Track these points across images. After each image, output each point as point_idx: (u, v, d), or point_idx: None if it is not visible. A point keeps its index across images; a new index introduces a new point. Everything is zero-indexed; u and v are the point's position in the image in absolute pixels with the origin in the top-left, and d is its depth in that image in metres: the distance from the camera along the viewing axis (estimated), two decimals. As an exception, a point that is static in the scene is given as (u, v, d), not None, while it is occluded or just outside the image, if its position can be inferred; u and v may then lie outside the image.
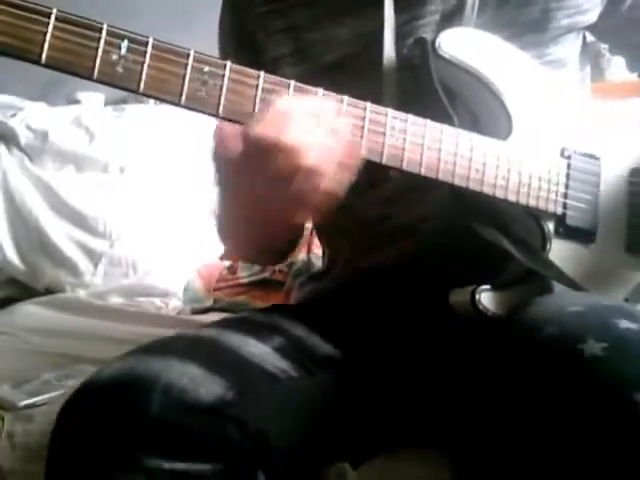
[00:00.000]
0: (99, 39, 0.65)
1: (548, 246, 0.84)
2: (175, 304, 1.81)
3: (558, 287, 0.83)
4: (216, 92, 0.69)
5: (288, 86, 0.71)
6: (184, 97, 0.68)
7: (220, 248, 1.87)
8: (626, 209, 0.88)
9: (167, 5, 2.09)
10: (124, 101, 2.14)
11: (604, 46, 1.11)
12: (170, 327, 1.54)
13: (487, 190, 0.80)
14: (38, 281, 1.87)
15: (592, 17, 0.92)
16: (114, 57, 0.65)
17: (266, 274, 1.74)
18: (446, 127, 0.78)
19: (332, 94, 0.73)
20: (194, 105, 0.69)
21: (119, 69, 0.66)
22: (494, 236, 0.81)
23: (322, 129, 0.69)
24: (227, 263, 1.89)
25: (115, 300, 1.80)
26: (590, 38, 0.99)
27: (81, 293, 1.83)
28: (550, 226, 0.85)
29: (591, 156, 0.87)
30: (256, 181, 0.70)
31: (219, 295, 1.79)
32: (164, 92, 0.68)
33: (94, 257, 1.89)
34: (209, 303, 1.76)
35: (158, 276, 1.87)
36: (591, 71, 1.02)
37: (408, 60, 0.85)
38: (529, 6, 0.88)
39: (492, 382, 0.70)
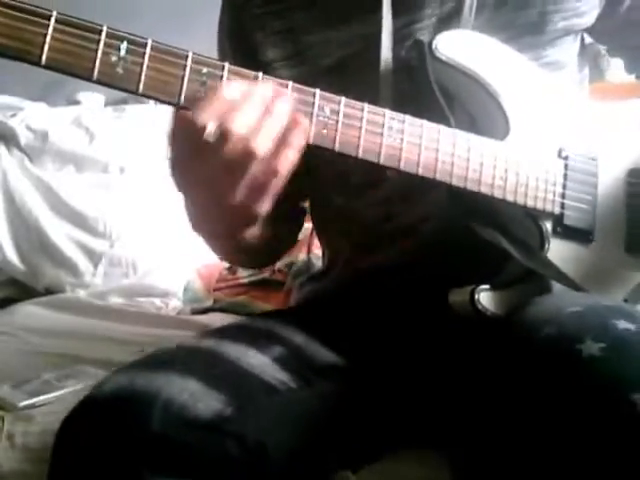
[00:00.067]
0: (99, 41, 0.65)
1: (546, 246, 0.84)
2: (175, 304, 1.81)
3: (557, 287, 0.83)
4: (215, 93, 0.69)
5: (286, 87, 0.72)
6: (183, 98, 0.68)
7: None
8: (625, 209, 0.89)
9: (166, 7, 2.09)
10: (124, 101, 2.14)
11: (603, 47, 1.11)
12: (170, 327, 1.54)
13: (485, 190, 0.80)
14: (38, 281, 1.87)
15: (590, 19, 0.93)
16: (113, 58, 0.66)
17: (266, 274, 1.74)
18: (443, 127, 0.78)
19: (331, 95, 0.74)
20: (193, 106, 0.69)
21: (118, 70, 0.66)
22: (493, 236, 0.81)
23: (266, 114, 0.69)
24: (227, 263, 1.89)
25: (115, 300, 1.80)
26: (589, 39, 0.99)
27: (81, 293, 1.83)
28: (548, 226, 0.85)
29: (588, 157, 0.87)
30: (208, 173, 0.70)
31: (219, 295, 1.79)
32: (163, 93, 0.68)
33: (94, 257, 1.89)
34: (209, 303, 1.76)
35: (158, 276, 1.87)
36: (591, 72, 1.03)
37: (405, 62, 0.85)
38: (526, 9, 0.88)
39: (491, 382, 0.70)
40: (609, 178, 0.88)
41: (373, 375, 0.87)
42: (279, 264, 1.65)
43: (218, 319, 1.56)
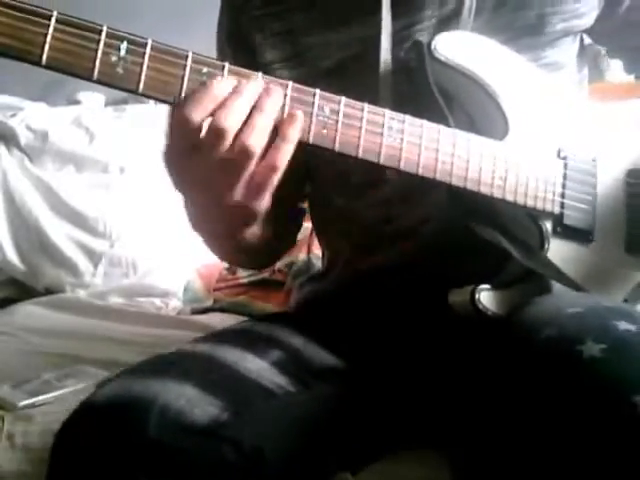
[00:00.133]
0: (99, 41, 0.65)
1: (546, 246, 0.84)
2: (175, 304, 1.81)
3: (557, 287, 0.83)
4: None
5: (286, 87, 0.72)
6: (183, 97, 0.68)
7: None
8: (624, 209, 0.89)
9: (166, 7, 2.09)
10: (124, 101, 2.14)
11: (603, 48, 1.12)
12: (170, 327, 1.54)
13: (484, 190, 0.80)
14: (38, 281, 1.87)
15: (589, 21, 0.93)
16: (114, 58, 0.66)
17: (266, 274, 1.74)
18: (443, 127, 0.78)
19: (331, 95, 0.74)
20: (184, 104, 0.69)
21: (119, 70, 0.66)
22: (492, 236, 0.81)
23: (257, 109, 0.68)
24: (226, 264, 1.89)
25: (115, 300, 1.80)
26: (588, 40, 0.99)
27: (81, 293, 1.83)
28: (548, 226, 0.85)
29: (588, 157, 0.87)
30: (204, 172, 0.70)
31: (219, 295, 1.79)
32: (163, 93, 0.68)
33: (94, 257, 1.89)
34: (209, 303, 1.76)
35: (158, 276, 1.87)
36: (591, 72, 1.03)
37: (405, 64, 0.85)
38: (525, 11, 0.88)
39: (492, 383, 0.70)
40: (608, 178, 0.88)
41: (373, 376, 0.87)
42: (279, 264, 1.65)
43: (218, 319, 1.56)
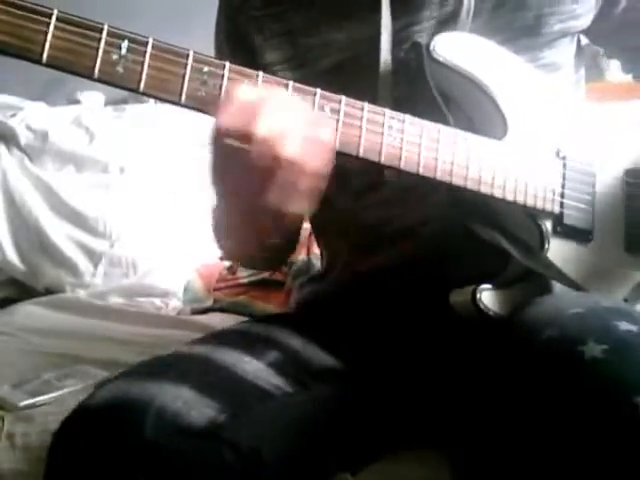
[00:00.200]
0: (100, 39, 0.65)
1: (546, 245, 0.84)
2: (175, 304, 1.81)
3: (558, 287, 0.83)
4: (216, 92, 0.69)
5: (286, 86, 0.72)
6: (184, 96, 0.68)
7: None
8: (623, 209, 0.89)
9: (167, 6, 2.09)
10: (124, 101, 2.14)
11: (601, 49, 1.12)
12: (170, 327, 1.54)
13: (484, 190, 0.80)
14: (38, 281, 1.87)
15: (586, 22, 0.93)
16: (114, 57, 0.66)
17: (266, 274, 1.74)
18: (443, 127, 0.79)
19: (331, 95, 0.74)
20: (194, 104, 0.69)
21: (119, 69, 0.66)
22: (492, 236, 0.81)
23: (289, 114, 0.68)
24: (227, 263, 1.89)
25: (115, 300, 1.80)
26: (586, 41, 0.99)
27: (81, 293, 1.83)
28: (548, 225, 0.85)
29: (586, 157, 0.87)
30: (240, 179, 0.69)
31: (219, 295, 1.79)
32: (164, 91, 0.68)
33: (94, 257, 1.89)
34: (209, 303, 1.76)
35: (158, 276, 1.87)
36: (591, 72, 1.03)
37: (404, 64, 0.85)
38: (523, 12, 0.88)
39: (492, 383, 0.70)
40: (607, 178, 0.89)
41: (372, 377, 0.87)
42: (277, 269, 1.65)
43: (218, 319, 1.56)
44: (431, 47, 0.81)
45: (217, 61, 0.69)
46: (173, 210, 1.95)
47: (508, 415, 0.65)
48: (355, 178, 0.92)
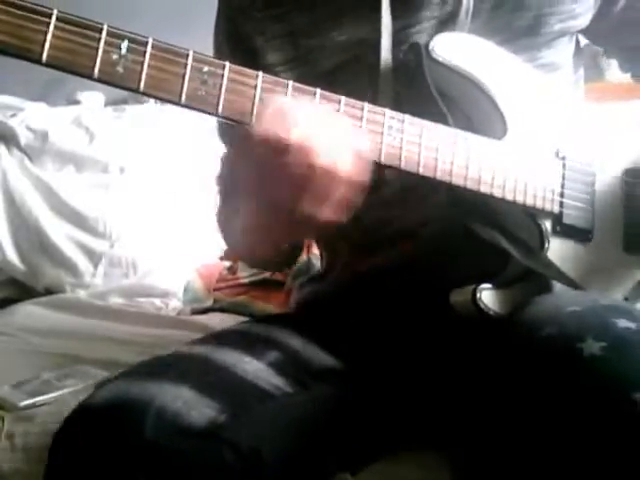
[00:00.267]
0: (99, 39, 0.65)
1: (546, 245, 0.84)
2: (175, 304, 1.81)
3: (557, 286, 0.83)
4: (216, 91, 0.69)
5: (286, 86, 0.72)
6: (184, 96, 0.68)
7: (220, 248, 1.88)
8: (622, 209, 0.89)
9: (167, 6, 2.09)
10: (124, 101, 2.14)
11: (600, 48, 1.12)
12: (170, 327, 1.54)
13: (484, 189, 0.80)
14: (38, 281, 1.87)
15: (584, 21, 0.93)
16: (114, 57, 0.66)
17: (266, 274, 1.74)
18: (443, 127, 0.79)
19: (330, 94, 0.74)
20: (194, 104, 0.69)
21: (119, 69, 0.66)
22: (492, 236, 0.81)
23: (322, 123, 0.69)
24: (227, 263, 1.89)
25: (115, 300, 1.80)
26: (585, 41, 1.00)
27: (81, 293, 1.83)
28: (547, 225, 0.85)
29: (586, 157, 0.88)
30: (275, 188, 0.69)
31: (219, 295, 1.79)
32: (164, 91, 0.68)
33: (94, 257, 1.89)
34: (209, 303, 1.76)
35: (158, 276, 1.87)
36: (591, 71, 1.03)
37: (404, 65, 0.85)
38: (522, 12, 0.88)
39: (492, 382, 0.70)
40: (607, 178, 0.89)
41: (372, 377, 0.87)
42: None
43: (218, 319, 1.56)
44: (430, 47, 0.82)
45: (217, 61, 0.69)
46: (173, 210, 1.95)
47: (508, 414, 0.65)
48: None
